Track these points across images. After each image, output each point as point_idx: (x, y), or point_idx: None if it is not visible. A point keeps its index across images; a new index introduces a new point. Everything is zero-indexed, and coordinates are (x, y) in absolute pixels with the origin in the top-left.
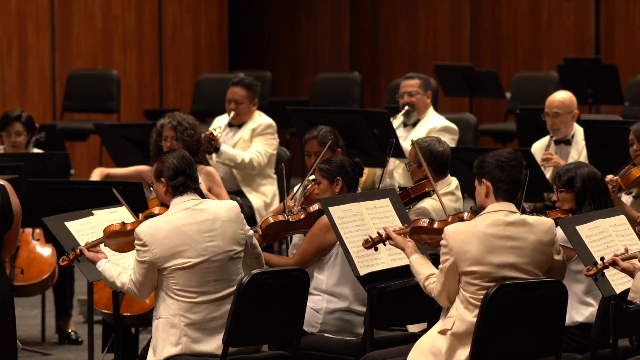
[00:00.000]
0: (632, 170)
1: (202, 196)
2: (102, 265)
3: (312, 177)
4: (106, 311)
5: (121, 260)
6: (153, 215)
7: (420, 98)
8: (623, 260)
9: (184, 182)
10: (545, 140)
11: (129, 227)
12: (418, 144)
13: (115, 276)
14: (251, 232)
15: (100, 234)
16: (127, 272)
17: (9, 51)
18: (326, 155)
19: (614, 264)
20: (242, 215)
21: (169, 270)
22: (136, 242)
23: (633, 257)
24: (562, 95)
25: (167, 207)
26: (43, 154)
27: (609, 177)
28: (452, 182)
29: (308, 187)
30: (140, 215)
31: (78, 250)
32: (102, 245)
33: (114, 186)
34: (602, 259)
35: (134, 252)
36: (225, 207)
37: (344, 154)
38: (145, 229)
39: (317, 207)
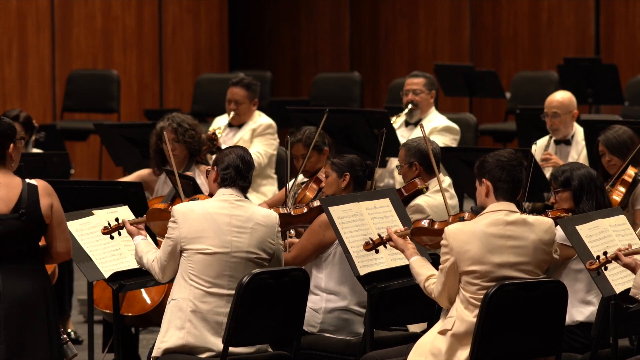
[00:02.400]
0: (612, 197)
1: (193, 191)
2: (137, 240)
3: (301, 180)
4: (107, 311)
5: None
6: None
7: (425, 97)
8: (626, 255)
9: (232, 176)
10: (544, 140)
11: (171, 209)
12: (407, 145)
13: (145, 252)
14: (282, 248)
15: (100, 232)
16: (157, 252)
17: (9, 51)
18: (312, 156)
19: (616, 258)
20: (279, 229)
21: (189, 252)
22: (170, 219)
23: (636, 252)
24: (561, 96)
25: (211, 197)
26: (43, 154)
27: None
28: (445, 180)
29: (299, 192)
30: (185, 199)
31: (121, 222)
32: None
33: (115, 185)
34: (605, 253)
35: None
36: (264, 213)
37: (332, 152)
38: (181, 207)
39: (319, 203)
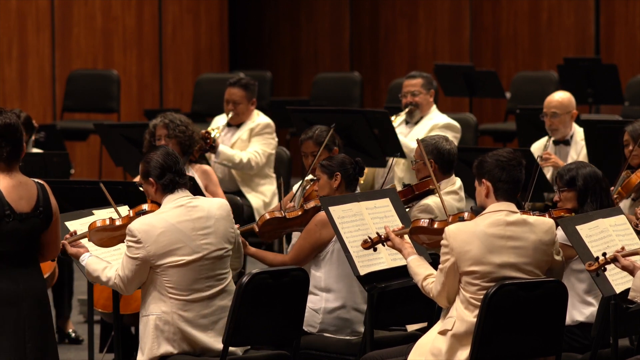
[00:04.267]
0: (630, 177)
1: (193, 191)
2: (85, 259)
3: (310, 177)
4: (104, 311)
5: (105, 254)
6: (144, 212)
7: (424, 97)
8: (624, 256)
9: (172, 179)
10: (543, 140)
11: (116, 223)
12: (425, 142)
13: (100, 270)
14: (238, 231)
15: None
16: (113, 267)
17: (9, 51)
18: (323, 154)
19: (614, 260)
20: (232, 214)
21: (162, 267)
22: (129, 238)
23: (635, 253)
24: (560, 96)
25: (158, 204)
26: (43, 154)
27: None
28: (456, 182)
29: (307, 188)
30: (132, 211)
31: (60, 245)
32: (85, 240)
33: (115, 185)
34: (604, 254)
35: (117, 246)
36: (217, 205)
37: (341, 152)
38: (139, 225)
39: (314, 204)
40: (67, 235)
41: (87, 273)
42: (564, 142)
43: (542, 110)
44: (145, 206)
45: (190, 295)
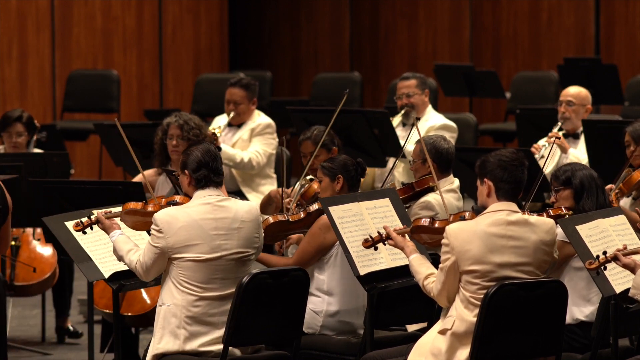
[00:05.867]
0: (632, 174)
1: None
2: (115, 235)
3: (309, 176)
4: (107, 310)
5: (136, 237)
6: (174, 203)
7: (419, 98)
8: (624, 255)
9: (206, 175)
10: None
11: (149, 209)
12: (424, 142)
13: (125, 251)
14: (262, 237)
15: (100, 232)
16: (138, 252)
17: (9, 51)
18: (321, 154)
19: (615, 258)
20: (261, 219)
21: (178, 260)
22: (153, 226)
23: (635, 252)
24: (578, 88)
25: (190, 198)
26: (43, 154)
27: (609, 186)
28: (455, 181)
29: (305, 186)
30: (164, 200)
31: (94, 218)
32: (118, 219)
33: (115, 185)
34: (604, 253)
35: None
36: (246, 209)
37: (340, 152)
38: (163, 216)
39: (317, 207)
40: (102, 212)
41: (113, 250)
42: (573, 135)
43: (542, 110)
44: (177, 198)
45: (203, 292)
